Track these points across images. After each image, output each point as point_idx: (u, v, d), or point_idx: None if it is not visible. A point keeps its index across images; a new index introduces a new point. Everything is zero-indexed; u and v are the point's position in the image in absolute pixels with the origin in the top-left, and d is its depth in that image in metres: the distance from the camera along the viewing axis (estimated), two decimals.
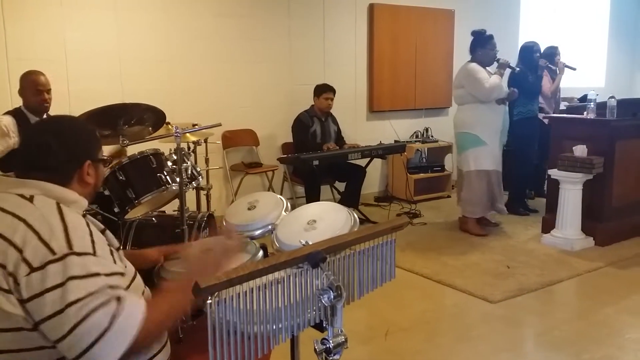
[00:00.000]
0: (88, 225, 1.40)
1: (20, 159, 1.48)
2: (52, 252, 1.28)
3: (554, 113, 6.07)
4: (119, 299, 1.32)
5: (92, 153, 1.53)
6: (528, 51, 5.69)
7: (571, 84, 7.66)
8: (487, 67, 4.95)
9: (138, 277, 1.56)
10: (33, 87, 3.63)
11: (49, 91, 3.68)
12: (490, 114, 4.95)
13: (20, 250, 1.28)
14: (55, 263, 1.27)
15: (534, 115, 5.66)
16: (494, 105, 4.95)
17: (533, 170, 5.80)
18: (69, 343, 1.26)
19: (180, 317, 1.47)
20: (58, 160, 1.45)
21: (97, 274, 1.31)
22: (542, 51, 5.89)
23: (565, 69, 5.93)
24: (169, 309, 1.42)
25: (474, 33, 5.06)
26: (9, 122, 3.63)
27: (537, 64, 5.60)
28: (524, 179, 5.79)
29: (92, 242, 1.36)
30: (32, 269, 1.26)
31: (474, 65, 4.96)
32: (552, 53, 5.94)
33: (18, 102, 3.81)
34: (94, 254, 1.34)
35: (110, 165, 2.96)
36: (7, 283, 1.27)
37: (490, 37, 4.97)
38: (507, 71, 5.10)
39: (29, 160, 1.46)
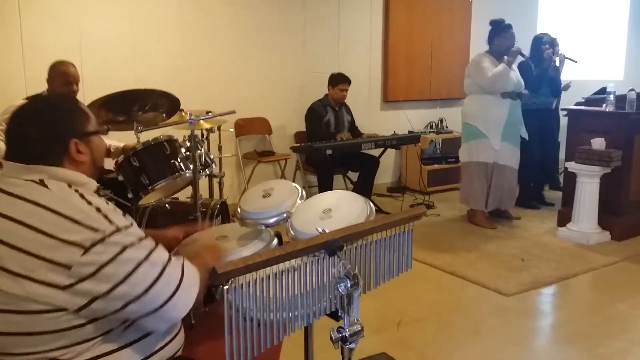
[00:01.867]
0: (108, 203, 1.41)
1: (11, 154, 1.42)
2: (99, 231, 1.28)
3: (557, 106, 5.96)
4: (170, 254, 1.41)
5: (76, 129, 1.45)
6: (536, 43, 5.61)
7: (589, 77, 7.57)
8: (505, 57, 4.85)
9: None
10: (64, 77, 3.61)
11: (77, 83, 3.67)
12: (492, 107, 4.86)
13: (62, 240, 1.26)
14: (109, 237, 1.29)
15: (537, 107, 5.56)
16: (498, 97, 4.85)
17: (537, 163, 5.68)
18: (150, 297, 1.31)
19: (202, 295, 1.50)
20: (42, 147, 1.40)
21: (145, 236, 1.37)
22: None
23: (566, 60, 5.80)
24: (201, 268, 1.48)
25: (492, 22, 5.00)
26: None
27: (542, 55, 5.49)
28: (529, 172, 5.68)
29: (124, 215, 1.39)
30: (86, 249, 1.26)
31: (483, 54, 4.94)
32: (552, 45, 5.80)
33: (32, 89, 3.81)
34: (132, 224, 1.38)
35: (125, 152, 2.97)
36: (49, 273, 1.26)
37: (508, 26, 4.90)
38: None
39: (17, 153, 1.41)
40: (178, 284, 1.35)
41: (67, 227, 1.28)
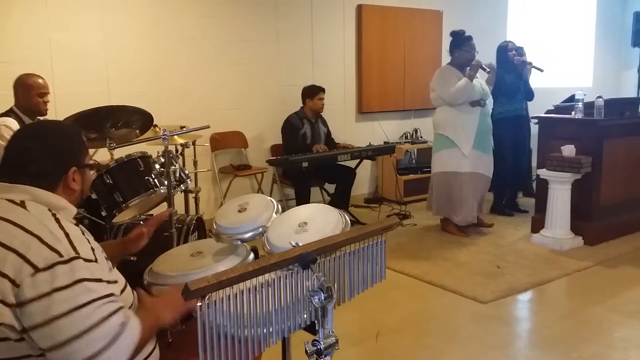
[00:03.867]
0: (83, 233, 1.40)
1: (5, 166, 1.44)
2: (59, 254, 1.27)
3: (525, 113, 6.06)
4: (123, 308, 1.35)
5: (78, 159, 1.50)
6: (502, 51, 5.67)
7: (559, 84, 7.73)
8: (466, 69, 4.87)
9: (128, 286, 1.55)
10: (35, 90, 3.58)
11: (46, 95, 3.64)
12: (462, 116, 4.87)
13: (21, 255, 1.26)
14: (63, 265, 1.26)
15: (516, 114, 5.66)
16: (467, 107, 4.87)
17: (511, 170, 5.76)
18: (76, 347, 1.25)
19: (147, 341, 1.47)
20: (42, 166, 1.43)
21: (101, 280, 1.33)
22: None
23: (533, 69, 5.89)
24: (152, 325, 1.46)
25: (452, 34, 5.03)
26: (13, 124, 3.55)
27: (510, 63, 5.59)
28: (503, 179, 5.76)
29: (92, 249, 1.37)
30: (38, 270, 1.25)
31: (445, 67, 4.98)
32: (518, 54, 5.92)
33: (1, 105, 3.75)
34: (96, 261, 1.35)
35: (97, 169, 2.94)
36: (1, 290, 1.25)
37: (468, 38, 4.91)
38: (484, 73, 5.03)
39: (12, 166, 1.43)
40: (107, 344, 1.28)
41: (28, 242, 1.28)
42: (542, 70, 5.83)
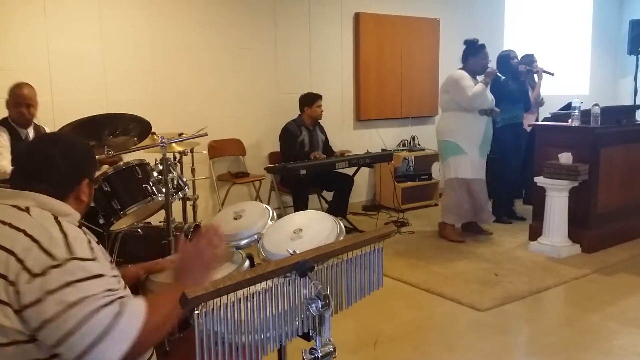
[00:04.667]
0: (86, 234, 1.42)
1: (22, 169, 1.48)
2: (53, 258, 1.29)
3: (536, 120, 6.12)
4: (121, 298, 1.34)
5: (91, 172, 1.56)
6: (504, 59, 5.70)
7: (556, 92, 7.75)
8: (477, 77, 4.96)
9: (127, 289, 1.55)
10: (13, 99, 3.60)
11: (28, 105, 3.62)
12: (472, 123, 4.94)
13: (21, 260, 1.29)
14: (57, 268, 1.28)
15: (517, 122, 5.69)
16: (476, 114, 4.94)
17: (518, 177, 5.81)
18: (72, 342, 1.27)
19: (177, 319, 1.46)
20: (60, 174, 1.47)
21: (99, 275, 1.33)
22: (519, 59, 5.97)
23: (544, 74, 5.99)
24: (168, 312, 1.43)
25: (466, 42, 5.09)
26: (4, 138, 3.56)
27: (516, 70, 5.63)
28: (509, 187, 5.81)
29: (91, 248, 1.38)
30: (33, 275, 1.27)
31: (461, 72, 4.99)
32: (529, 62, 5.98)
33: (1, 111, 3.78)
34: (95, 259, 1.36)
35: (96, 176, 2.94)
36: (6, 294, 1.28)
37: (482, 46, 5.01)
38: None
39: (31, 170, 1.46)
40: (98, 336, 1.28)
41: (26, 245, 1.30)
42: (552, 74, 5.88)
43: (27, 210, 1.39)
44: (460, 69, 5.05)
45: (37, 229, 1.33)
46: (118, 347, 1.30)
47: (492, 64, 5.59)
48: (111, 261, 1.54)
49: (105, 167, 3.25)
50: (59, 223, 1.37)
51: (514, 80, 5.61)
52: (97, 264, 1.36)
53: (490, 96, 5.02)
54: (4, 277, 1.28)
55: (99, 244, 1.50)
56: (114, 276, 1.39)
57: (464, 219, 5.16)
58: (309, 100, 5.57)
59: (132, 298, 1.39)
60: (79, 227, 1.45)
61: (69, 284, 1.28)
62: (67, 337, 1.27)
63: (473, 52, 5.01)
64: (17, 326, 1.28)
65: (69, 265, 1.29)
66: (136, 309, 1.36)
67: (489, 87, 4.96)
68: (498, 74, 5.01)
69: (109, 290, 1.33)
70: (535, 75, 6.06)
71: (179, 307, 1.40)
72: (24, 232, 1.32)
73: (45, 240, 1.31)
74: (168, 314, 1.42)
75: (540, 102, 6.17)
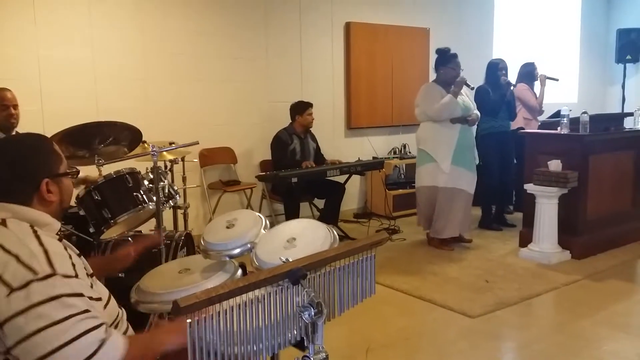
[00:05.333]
0: (66, 249, 1.38)
1: None
2: (34, 272, 1.25)
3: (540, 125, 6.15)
4: (105, 325, 1.32)
5: (49, 170, 1.46)
6: (492, 68, 5.72)
7: (545, 100, 7.80)
8: (451, 86, 4.92)
9: (112, 300, 1.54)
10: None
11: (15, 107, 3.60)
12: (442, 132, 4.92)
13: None
14: (39, 282, 1.24)
15: (501, 130, 5.72)
16: (447, 123, 4.92)
17: (498, 185, 5.81)
18: None
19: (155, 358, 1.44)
20: (10, 183, 1.40)
21: (82, 294, 1.30)
22: (519, 70, 6.04)
23: (547, 80, 6.05)
24: (145, 349, 1.41)
25: (437, 51, 5.10)
26: None
27: (498, 80, 5.65)
28: (491, 194, 5.82)
29: (73, 265, 1.34)
30: (13, 289, 1.23)
31: (430, 84, 5.05)
32: (531, 70, 6.05)
33: None
34: (76, 276, 1.33)
35: (85, 185, 2.92)
36: None
37: (454, 55, 4.98)
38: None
39: None
40: (88, 357, 1.26)
41: (4, 260, 1.27)
42: (557, 80, 5.93)
43: (3, 222, 1.35)
44: (434, 80, 5.08)
45: (15, 243, 1.29)
46: None
47: (480, 72, 5.66)
48: (92, 274, 1.52)
49: (95, 176, 3.24)
50: (37, 237, 1.33)
51: (495, 90, 5.63)
52: (78, 282, 1.32)
53: (463, 103, 4.95)
54: None
55: (80, 257, 1.47)
56: (92, 298, 1.36)
57: (448, 230, 5.03)
58: (300, 109, 5.58)
59: (113, 329, 1.37)
60: (59, 239, 1.42)
61: (53, 299, 1.24)
62: (50, 354, 1.22)
63: (444, 61, 5.00)
64: None
65: (51, 280, 1.26)
66: (118, 340, 1.33)
67: (462, 92, 4.95)
68: (467, 83, 4.95)
69: (91, 312, 1.29)
70: (537, 83, 6.12)
71: (158, 348, 1.42)
72: (1, 247, 1.29)
73: (24, 254, 1.27)
74: (145, 352, 1.41)
75: (540, 111, 6.22)
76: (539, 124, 6.09)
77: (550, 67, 8.63)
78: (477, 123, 5.25)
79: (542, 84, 6.10)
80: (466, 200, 5.04)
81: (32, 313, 1.22)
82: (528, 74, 6.09)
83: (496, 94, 5.62)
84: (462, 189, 4.97)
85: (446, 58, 4.99)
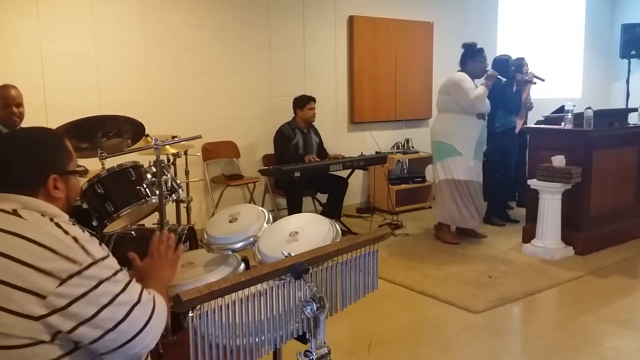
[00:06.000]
0: (84, 231, 1.39)
1: None
2: (76, 263, 1.27)
3: (524, 124, 6.13)
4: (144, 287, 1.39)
5: (58, 165, 1.46)
6: (504, 64, 5.67)
7: (548, 95, 7.79)
8: (475, 80, 4.97)
9: None
10: (2, 101, 3.56)
11: (18, 105, 3.59)
12: (468, 126, 4.96)
13: (37, 268, 1.25)
14: (86, 270, 1.27)
15: (512, 126, 5.72)
16: (473, 117, 4.95)
17: (513, 181, 5.84)
18: (121, 331, 1.29)
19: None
20: (20, 176, 1.40)
21: (121, 269, 1.36)
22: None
23: (535, 79, 5.99)
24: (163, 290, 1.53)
25: (464, 45, 5.10)
26: None
27: (513, 77, 5.64)
28: (506, 190, 5.84)
29: (101, 245, 1.37)
30: (62, 280, 1.25)
31: (463, 74, 4.99)
32: (520, 64, 5.99)
33: None
34: (109, 255, 1.36)
35: (88, 179, 2.92)
36: (25, 303, 1.24)
37: (481, 50, 5.03)
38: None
39: None
40: (146, 322, 1.33)
41: (43, 255, 1.26)
42: (543, 80, 5.92)
43: (15, 213, 1.34)
44: (459, 71, 5.05)
45: (41, 234, 1.30)
46: (159, 327, 1.36)
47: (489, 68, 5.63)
48: None
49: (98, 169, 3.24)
50: (57, 225, 1.34)
51: (510, 86, 5.63)
52: (112, 259, 1.37)
53: (487, 100, 5.02)
54: (23, 289, 1.24)
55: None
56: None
57: (459, 221, 5.12)
58: (301, 103, 5.58)
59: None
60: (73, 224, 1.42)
61: (104, 281, 1.29)
62: (117, 326, 1.28)
63: (471, 55, 5.02)
64: (38, 335, 1.25)
65: (93, 268, 1.29)
66: (159, 296, 1.42)
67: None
68: (499, 76, 5.01)
69: (130, 282, 1.36)
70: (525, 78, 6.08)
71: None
72: (30, 239, 1.28)
73: (56, 245, 1.28)
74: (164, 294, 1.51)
75: (529, 107, 6.19)
76: (523, 120, 6.07)
77: (554, 62, 8.64)
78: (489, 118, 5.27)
79: (530, 82, 6.02)
80: (481, 191, 5.14)
81: (90, 296, 1.26)
82: (516, 69, 6.01)
83: (511, 89, 5.61)
84: (477, 181, 5.07)
85: (475, 52, 5.03)
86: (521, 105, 5.74)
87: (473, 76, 4.99)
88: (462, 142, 4.96)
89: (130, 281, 1.35)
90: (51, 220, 1.36)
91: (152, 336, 1.34)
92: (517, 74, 5.65)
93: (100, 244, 1.37)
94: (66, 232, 1.32)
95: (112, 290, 1.29)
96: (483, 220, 5.80)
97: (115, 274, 1.32)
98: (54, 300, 1.24)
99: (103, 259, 1.32)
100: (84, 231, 1.39)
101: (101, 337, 1.27)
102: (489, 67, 5.17)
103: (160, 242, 1.73)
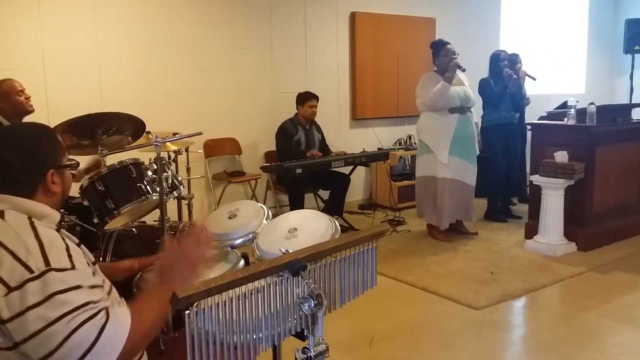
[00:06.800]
0: (63, 239, 1.37)
1: None
2: (30, 270, 1.24)
3: (522, 119, 6.09)
4: (105, 310, 1.30)
5: (55, 160, 1.46)
6: (494, 59, 5.72)
7: (551, 91, 7.76)
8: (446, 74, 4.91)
9: (114, 290, 1.53)
10: (14, 91, 3.56)
11: (22, 92, 3.61)
12: (438, 122, 4.92)
13: None
14: (34, 281, 1.23)
15: (506, 122, 5.69)
16: (445, 113, 4.91)
17: (503, 177, 5.78)
18: (57, 358, 1.23)
19: (164, 320, 1.45)
20: (18, 173, 1.39)
21: (78, 287, 1.28)
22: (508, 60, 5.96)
23: (526, 77, 5.97)
24: (154, 317, 1.40)
25: (431, 45, 5.14)
26: None
27: (501, 72, 5.62)
28: (496, 186, 5.81)
29: (69, 256, 1.32)
30: (10, 289, 1.23)
31: (428, 73, 5.05)
32: (513, 61, 5.95)
33: None
34: (73, 268, 1.31)
35: (89, 176, 2.92)
36: None
37: (445, 43, 5.00)
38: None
39: None
40: (86, 350, 1.25)
41: (3, 258, 1.26)
42: (534, 79, 5.90)
43: (1, 215, 1.34)
44: (434, 71, 5.06)
45: (12, 237, 1.28)
46: (106, 359, 1.27)
47: (484, 63, 5.61)
48: (95, 262, 1.51)
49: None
50: (34, 229, 1.31)
51: (498, 82, 5.60)
52: (76, 273, 1.30)
53: (463, 92, 4.92)
54: None
55: (80, 246, 1.45)
56: (93, 286, 1.33)
57: (444, 219, 5.02)
58: (302, 99, 5.57)
59: (116, 307, 1.35)
60: (58, 229, 1.40)
61: (48, 298, 1.23)
62: (53, 353, 1.23)
63: (437, 52, 5.02)
64: None
65: (46, 277, 1.25)
66: (121, 320, 1.31)
67: (459, 86, 4.92)
68: (460, 66, 4.86)
69: (90, 302, 1.28)
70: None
71: (166, 309, 1.39)
72: None
73: (20, 250, 1.26)
74: (154, 319, 1.40)
75: (525, 102, 6.16)
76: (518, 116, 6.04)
77: (558, 58, 8.60)
78: (481, 115, 5.23)
79: (522, 80, 5.98)
80: (466, 192, 5.04)
81: (30, 315, 1.22)
82: (510, 62, 5.98)
83: (498, 85, 5.59)
84: (460, 180, 4.96)
85: (438, 48, 5.02)
86: (502, 99, 5.64)
87: (443, 72, 4.93)
88: (433, 139, 4.95)
89: (81, 306, 1.26)
90: (32, 223, 1.33)
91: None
92: (505, 69, 5.61)
93: (69, 257, 1.31)
94: (36, 237, 1.30)
95: (58, 309, 1.23)
96: (485, 216, 5.81)
97: (68, 290, 1.25)
98: (1, 310, 1.23)
99: (61, 269, 1.27)
100: (63, 239, 1.35)
101: (48, 356, 1.22)
102: (472, 63, 5.12)
103: (189, 235, 1.60)
